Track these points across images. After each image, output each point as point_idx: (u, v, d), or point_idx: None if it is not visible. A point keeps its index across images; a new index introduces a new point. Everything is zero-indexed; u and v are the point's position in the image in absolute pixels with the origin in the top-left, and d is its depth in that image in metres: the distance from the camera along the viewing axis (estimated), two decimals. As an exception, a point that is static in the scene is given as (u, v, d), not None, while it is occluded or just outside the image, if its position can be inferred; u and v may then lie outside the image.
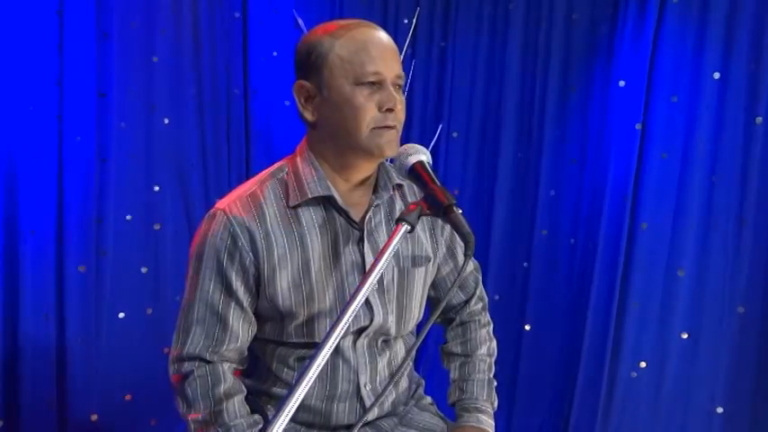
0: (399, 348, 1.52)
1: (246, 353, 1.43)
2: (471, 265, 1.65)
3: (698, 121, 2.79)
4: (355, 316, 1.35)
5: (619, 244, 2.84)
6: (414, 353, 1.32)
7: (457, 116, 3.16)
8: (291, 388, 0.98)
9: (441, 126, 3.12)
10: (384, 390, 1.15)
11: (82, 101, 2.49)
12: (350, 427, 1.42)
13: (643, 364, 2.92)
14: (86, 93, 2.50)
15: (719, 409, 2.86)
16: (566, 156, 3.06)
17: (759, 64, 2.69)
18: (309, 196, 1.33)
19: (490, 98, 3.14)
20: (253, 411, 1.40)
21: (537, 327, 3.14)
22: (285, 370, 1.43)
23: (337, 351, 1.39)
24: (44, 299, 2.48)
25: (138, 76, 2.63)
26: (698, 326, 2.87)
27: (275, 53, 2.95)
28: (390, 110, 1.28)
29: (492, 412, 1.58)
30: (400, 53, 2.95)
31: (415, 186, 1.46)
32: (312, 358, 0.99)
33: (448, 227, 1.54)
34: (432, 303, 1.63)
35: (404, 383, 1.58)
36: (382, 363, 1.45)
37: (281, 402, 0.98)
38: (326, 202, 1.36)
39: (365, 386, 1.43)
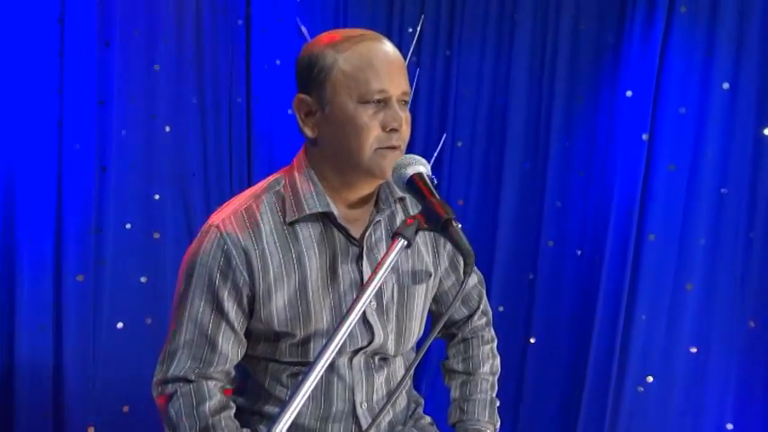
0: (398, 365, 1.47)
1: (234, 372, 1.38)
2: (475, 278, 1.60)
3: (706, 132, 2.76)
4: (352, 335, 1.31)
5: (626, 256, 2.81)
6: (413, 370, 1.27)
7: (461, 125, 3.11)
8: (283, 405, 0.93)
9: (445, 135, 3.09)
10: (382, 410, 1.10)
11: (82, 108, 2.46)
12: None
13: (650, 379, 2.88)
14: (87, 100, 2.47)
15: (729, 426, 2.81)
16: (572, 166, 3.02)
17: (769, 74, 2.66)
18: (307, 212, 1.28)
19: (495, 107, 3.09)
20: None
21: (542, 339, 3.10)
22: (278, 387, 1.38)
23: (332, 368, 1.34)
24: (41, 309, 2.44)
25: (140, 83, 2.61)
26: (707, 340, 2.82)
27: (278, 61, 2.93)
28: (395, 130, 1.23)
29: None
30: (404, 62, 2.96)
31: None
32: (305, 376, 0.94)
33: None
34: (433, 318, 1.59)
35: (402, 402, 1.53)
36: (379, 380, 1.40)
37: (272, 421, 0.93)
38: (325, 219, 1.31)
39: (361, 405, 1.38)
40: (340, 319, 1.27)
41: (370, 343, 1.35)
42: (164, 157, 2.71)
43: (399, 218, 1.41)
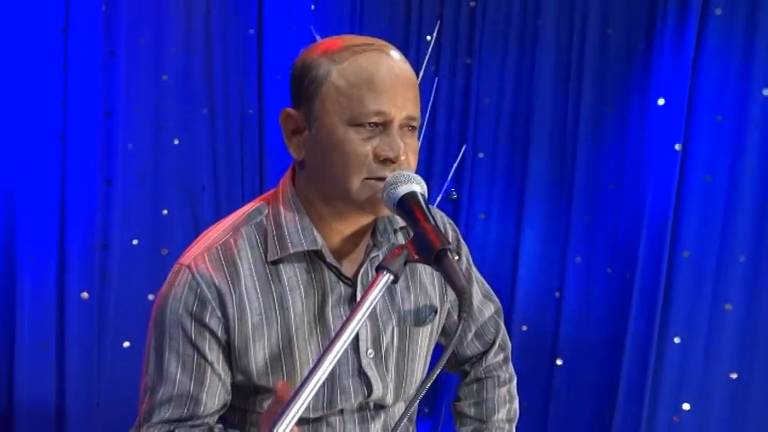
0: (398, 410, 1.28)
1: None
2: (491, 307, 1.40)
3: (745, 142, 2.65)
4: (345, 390, 1.14)
5: (659, 273, 2.70)
6: (413, 414, 1.12)
7: (483, 136, 3.03)
8: None
9: (465, 147, 2.99)
10: None
11: (87, 120, 2.42)
12: None
13: (686, 407, 2.76)
14: (92, 112, 2.43)
15: (773, 459, 2.63)
16: (601, 178, 2.93)
17: (813, 78, 2.52)
18: (291, 251, 1.09)
19: (518, 117, 3.00)
20: None
21: (569, 362, 2.98)
22: None
23: (321, 419, 1.17)
24: (43, 327, 2.39)
25: (147, 94, 2.56)
26: (748, 365, 2.71)
27: (292, 71, 2.84)
28: (389, 160, 1.03)
29: None
30: (420, 70, 2.85)
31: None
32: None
33: (464, 258, 1.32)
34: (442, 349, 1.43)
35: None
36: (375, 429, 1.23)
37: None
38: (313, 254, 1.13)
39: None
40: (332, 375, 1.12)
41: (366, 397, 1.18)
42: (172, 171, 2.65)
43: None
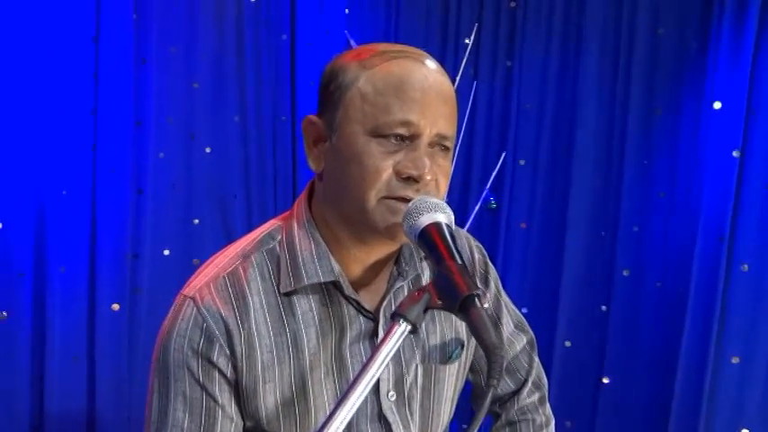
0: None
1: None
2: (523, 339, 1.26)
3: None
4: None
5: (714, 288, 2.60)
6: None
7: (524, 142, 2.94)
8: None
9: (504, 153, 2.90)
10: None
11: (117, 130, 2.42)
12: None
13: None
14: (122, 122, 2.43)
15: (843, 493, 2.43)
16: (651, 187, 2.85)
17: None
18: (306, 283, 0.99)
19: (561, 122, 2.90)
20: None
21: (617, 380, 2.87)
22: None
23: None
24: (74, 339, 2.38)
25: (178, 103, 2.54)
26: None
27: (325, 77, 2.78)
28: (413, 179, 0.92)
29: None
30: (457, 74, 2.75)
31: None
32: None
33: (492, 284, 1.18)
34: (473, 392, 1.27)
35: None
36: None
37: None
38: (330, 285, 1.02)
39: None
40: (351, 423, 0.99)
41: None
42: (203, 180, 2.63)
43: (426, 281, 1.09)
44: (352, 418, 0.98)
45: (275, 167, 2.77)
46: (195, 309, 0.98)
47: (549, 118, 2.91)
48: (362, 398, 0.79)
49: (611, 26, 2.81)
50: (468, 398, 1.29)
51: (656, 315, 2.81)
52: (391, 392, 1.04)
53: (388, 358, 0.80)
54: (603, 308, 2.88)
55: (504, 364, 0.80)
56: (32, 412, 2.34)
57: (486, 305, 0.80)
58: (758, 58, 2.51)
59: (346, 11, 2.83)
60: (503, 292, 1.21)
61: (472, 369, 1.21)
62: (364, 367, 0.79)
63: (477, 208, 2.87)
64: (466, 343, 1.13)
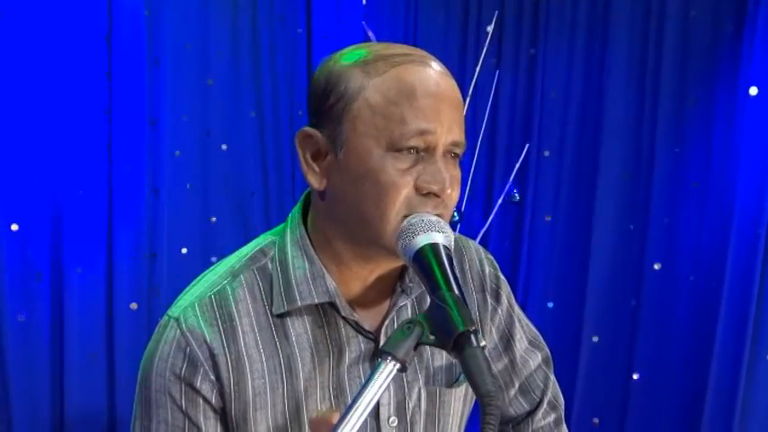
0: None
1: None
2: (538, 356, 1.18)
3: None
4: None
5: (750, 283, 2.54)
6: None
7: (548, 133, 2.87)
8: None
9: (528, 144, 2.83)
10: None
11: (132, 129, 2.40)
12: None
13: None
14: (137, 120, 2.41)
15: None
16: (683, 178, 2.77)
17: None
18: (299, 304, 0.94)
19: (588, 111, 2.83)
20: None
21: (648, 377, 2.81)
22: None
23: None
24: (92, 338, 2.39)
25: (193, 100, 2.52)
26: None
27: (343, 70, 2.72)
28: (434, 194, 0.87)
29: None
30: (477, 63, 2.66)
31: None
32: None
33: (504, 299, 1.11)
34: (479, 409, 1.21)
35: None
36: None
37: None
38: (327, 305, 0.96)
39: None
40: None
41: None
42: (220, 177, 2.60)
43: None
44: None
45: (293, 163, 2.73)
46: (179, 331, 0.93)
47: (574, 107, 2.84)
48: (356, 429, 0.74)
49: (639, 9, 2.72)
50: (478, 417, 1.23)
51: (689, 310, 2.75)
52: (392, 418, 0.98)
53: (375, 399, 0.74)
54: (633, 302, 2.82)
55: (499, 415, 0.73)
56: (53, 412, 2.36)
57: (483, 344, 0.73)
58: (797, 41, 2.41)
59: (363, 1, 2.76)
60: (515, 307, 1.14)
61: None
62: (349, 407, 0.74)
63: (500, 201, 2.80)
64: None
